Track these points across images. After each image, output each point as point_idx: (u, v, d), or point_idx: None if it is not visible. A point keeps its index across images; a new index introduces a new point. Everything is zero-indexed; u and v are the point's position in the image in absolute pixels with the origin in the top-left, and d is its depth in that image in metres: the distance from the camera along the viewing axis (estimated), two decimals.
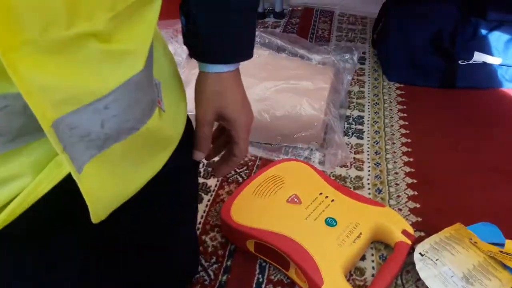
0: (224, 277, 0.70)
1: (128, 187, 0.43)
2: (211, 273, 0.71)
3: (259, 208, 0.75)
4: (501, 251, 0.70)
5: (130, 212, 0.45)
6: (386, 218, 0.74)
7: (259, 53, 1.05)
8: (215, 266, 0.72)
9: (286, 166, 0.85)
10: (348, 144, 1.01)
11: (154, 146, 0.44)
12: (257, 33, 1.09)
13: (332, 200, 0.76)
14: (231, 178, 0.90)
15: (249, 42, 0.55)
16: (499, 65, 1.23)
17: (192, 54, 0.54)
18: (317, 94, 0.96)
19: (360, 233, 0.70)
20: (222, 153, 0.63)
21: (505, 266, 0.67)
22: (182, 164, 0.51)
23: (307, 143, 0.97)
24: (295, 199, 0.76)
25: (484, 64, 1.23)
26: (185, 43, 0.54)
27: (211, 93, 0.54)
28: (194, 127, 0.57)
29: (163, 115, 0.43)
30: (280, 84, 0.97)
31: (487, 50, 1.23)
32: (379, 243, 0.76)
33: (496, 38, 1.22)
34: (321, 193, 0.77)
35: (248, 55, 0.55)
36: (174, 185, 0.52)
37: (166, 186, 0.49)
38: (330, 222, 0.72)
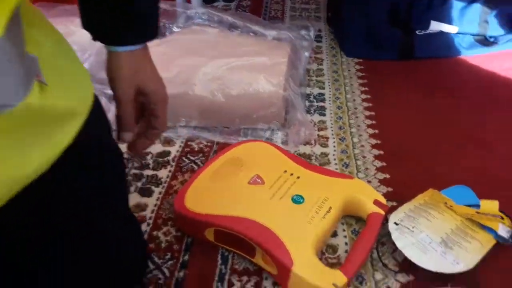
0: (181, 273, 0.62)
1: (20, 169, 0.37)
2: (165, 270, 0.63)
3: (217, 193, 0.68)
4: (477, 212, 0.65)
5: (36, 196, 0.40)
6: (356, 190, 0.68)
7: (209, 32, 0.97)
8: (170, 262, 0.64)
9: (246, 148, 0.78)
10: (311, 122, 0.95)
11: (47, 123, 0.39)
12: (204, 10, 1.02)
13: (298, 177, 0.70)
14: (185, 167, 0.82)
15: (157, 20, 0.54)
16: (456, 33, 1.21)
17: (96, 38, 0.52)
18: (274, 69, 0.89)
19: (330, 208, 0.64)
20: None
21: (483, 227, 0.63)
22: (95, 140, 0.46)
23: (267, 123, 0.90)
24: (258, 180, 0.69)
25: (441, 33, 1.21)
26: (85, 27, 0.52)
27: (128, 71, 0.52)
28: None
29: (47, 89, 0.37)
30: (234, 62, 0.90)
31: (444, 19, 1.21)
32: (350, 218, 0.70)
33: (452, 6, 1.20)
34: (285, 171, 0.71)
35: (156, 33, 0.54)
36: (93, 163, 0.46)
37: (83, 164, 0.44)
38: (297, 200, 0.65)
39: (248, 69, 0.90)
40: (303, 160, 0.76)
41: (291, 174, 0.70)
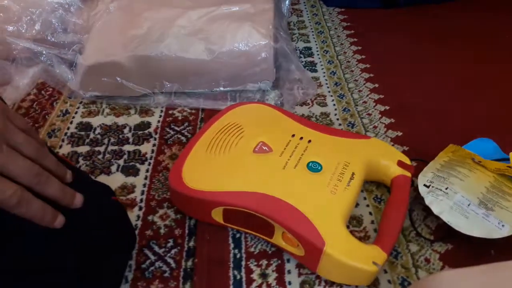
0: (190, 262, 0.53)
1: None
2: (170, 260, 0.53)
3: (220, 166, 0.58)
4: (509, 167, 0.60)
5: None
6: (377, 151, 0.61)
7: None
8: (174, 251, 0.54)
9: (241, 111, 0.68)
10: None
11: None
12: None
13: (309, 141, 0.61)
14: (171, 139, 0.71)
15: None
16: None
17: None
18: (260, 17, 0.78)
19: (353, 174, 0.56)
20: None
21: None
22: None
23: (256, 82, 0.80)
24: (264, 147, 0.60)
25: None
26: None
27: None
28: None
29: None
30: (213, 11, 0.78)
31: None
32: (369, 183, 0.63)
33: None
34: (293, 135, 0.62)
35: None
36: None
37: None
38: (314, 167, 0.57)
39: (230, 18, 0.78)
40: (309, 120, 0.67)
41: (301, 138, 0.61)
